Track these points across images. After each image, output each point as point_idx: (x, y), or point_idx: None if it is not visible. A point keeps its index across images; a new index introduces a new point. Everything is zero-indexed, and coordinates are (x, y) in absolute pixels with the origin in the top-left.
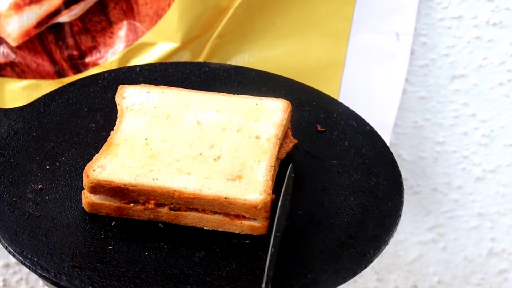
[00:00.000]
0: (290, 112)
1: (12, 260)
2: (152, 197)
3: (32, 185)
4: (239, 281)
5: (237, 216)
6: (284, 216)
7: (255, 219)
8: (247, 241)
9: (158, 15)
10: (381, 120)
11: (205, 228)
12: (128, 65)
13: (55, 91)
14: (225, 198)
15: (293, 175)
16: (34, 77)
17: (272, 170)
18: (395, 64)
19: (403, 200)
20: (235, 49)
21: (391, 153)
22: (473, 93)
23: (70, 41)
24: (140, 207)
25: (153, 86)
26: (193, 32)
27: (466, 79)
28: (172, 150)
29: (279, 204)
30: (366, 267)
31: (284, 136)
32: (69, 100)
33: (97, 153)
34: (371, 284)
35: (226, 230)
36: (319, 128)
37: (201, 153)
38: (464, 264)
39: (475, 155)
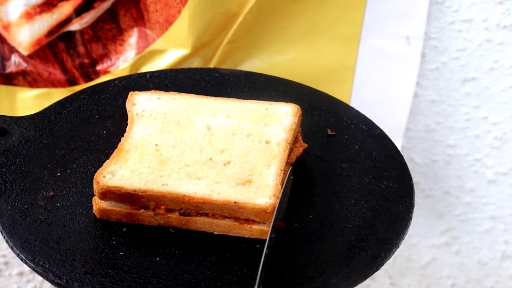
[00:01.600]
0: (300, 116)
1: (26, 268)
2: (162, 202)
3: (44, 193)
4: (250, 286)
5: (247, 221)
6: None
7: (264, 223)
8: (258, 246)
9: (169, 22)
10: (393, 124)
11: (215, 232)
12: (139, 72)
13: (66, 99)
14: (235, 202)
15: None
16: (45, 86)
17: (282, 175)
18: (406, 68)
19: (413, 203)
20: (245, 55)
21: (402, 156)
22: (484, 96)
23: (81, 49)
24: (150, 212)
25: (163, 92)
26: (204, 39)
27: (477, 82)
28: (182, 155)
29: (276, 206)
30: (377, 270)
31: (294, 141)
32: (80, 107)
33: (108, 159)
34: None
35: (236, 235)
36: (329, 132)
37: (211, 158)
38: (477, 267)
39: (487, 158)
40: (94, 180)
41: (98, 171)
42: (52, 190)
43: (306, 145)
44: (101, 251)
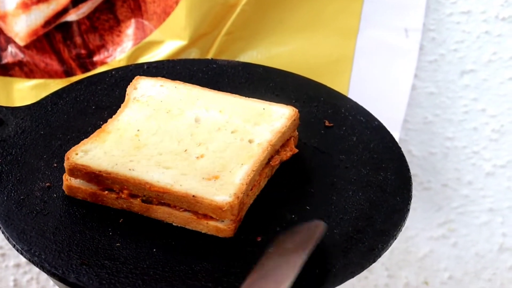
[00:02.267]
0: (295, 120)
1: (23, 260)
2: (125, 187)
3: (40, 183)
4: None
5: (205, 216)
6: None
7: (222, 221)
8: (258, 239)
9: (166, 13)
10: (391, 116)
11: (174, 224)
12: (136, 63)
13: (63, 89)
14: (193, 196)
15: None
16: (42, 77)
17: (252, 175)
18: (404, 60)
19: (411, 195)
20: (243, 46)
21: (399, 148)
22: (482, 88)
23: (78, 40)
24: (114, 195)
25: (169, 80)
26: (201, 30)
27: (476, 74)
28: (159, 143)
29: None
30: (374, 261)
31: (284, 145)
32: (76, 98)
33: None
34: (382, 280)
35: (193, 229)
36: (327, 123)
37: (186, 150)
38: (475, 260)
39: (485, 151)
40: (65, 156)
41: (73, 147)
42: (48, 181)
43: (296, 150)
44: (97, 242)
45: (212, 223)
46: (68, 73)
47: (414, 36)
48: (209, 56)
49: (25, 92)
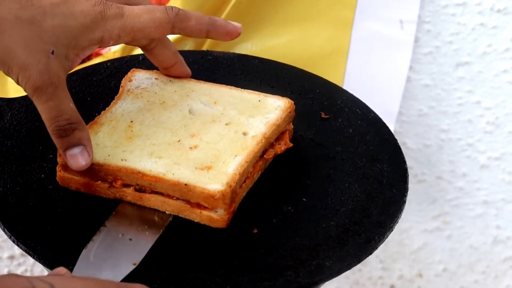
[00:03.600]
0: (290, 113)
1: (17, 251)
2: (118, 177)
3: (35, 174)
4: (249, 271)
5: (198, 205)
6: None
7: (215, 211)
8: (255, 231)
9: (161, 4)
10: (386, 108)
11: (167, 212)
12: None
13: None
14: (185, 184)
15: None
16: None
17: (246, 166)
18: (399, 52)
19: (407, 187)
20: (238, 38)
21: (395, 140)
22: (477, 80)
23: None
24: (106, 185)
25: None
26: None
27: (471, 66)
28: (152, 134)
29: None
30: (371, 253)
31: (279, 138)
32: (72, 89)
33: None
34: (376, 272)
35: (186, 217)
36: (323, 115)
37: (179, 140)
38: (469, 252)
39: (480, 143)
40: (58, 151)
41: None
42: (43, 172)
43: (291, 145)
44: (93, 233)
45: (205, 212)
46: None
47: (409, 28)
48: (204, 48)
49: None
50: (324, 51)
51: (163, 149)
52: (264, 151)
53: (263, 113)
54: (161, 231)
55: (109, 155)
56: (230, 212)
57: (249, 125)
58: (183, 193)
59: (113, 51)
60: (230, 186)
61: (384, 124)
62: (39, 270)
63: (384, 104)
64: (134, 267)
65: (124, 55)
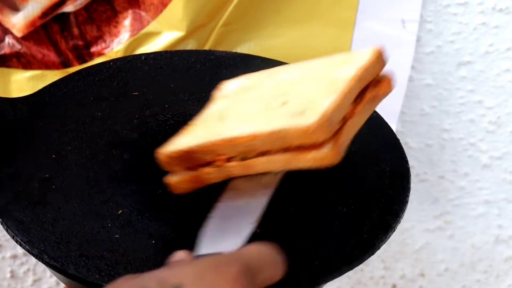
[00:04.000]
0: (379, 57)
1: (20, 251)
2: (216, 153)
3: (38, 175)
4: None
5: (299, 149)
6: None
7: (318, 150)
8: (257, 231)
9: (163, 4)
10: (387, 107)
11: (275, 171)
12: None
13: (60, 80)
14: (280, 130)
15: None
16: (39, 68)
17: (339, 102)
18: (401, 51)
19: (410, 186)
20: (240, 38)
21: (398, 139)
22: (479, 80)
23: (75, 31)
24: (210, 168)
25: (252, 73)
26: (199, 21)
27: (473, 65)
28: (241, 108)
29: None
30: (373, 253)
31: (380, 80)
32: (74, 89)
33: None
34: (378, 272)
35: (297, 168)
36: None
37: (270, 103)
38: (471, 252)
39: (482, 142)
40: (156, 157)
41: (160, 148)
42: (47, 172)
43: (392, 88)
44: (96, 233)
45: (311, 155)
46: (65, 64)
47: (411, 27)
48: (206, 48)
49: (22, 83)
50: (326, 51)
51: (256, 115)
52: (362, 92)
53: (351, 64)
54: (273, 189)
55: (202, 137)
56: (338, 145)
57: (339, 74)
58: (280, 139)
59: (115, 51)
60: (324, 116)
61: (386, 123)
62: (41, 269)
63: (386, 104)
64: (254, 225)
65: (127, 54)
